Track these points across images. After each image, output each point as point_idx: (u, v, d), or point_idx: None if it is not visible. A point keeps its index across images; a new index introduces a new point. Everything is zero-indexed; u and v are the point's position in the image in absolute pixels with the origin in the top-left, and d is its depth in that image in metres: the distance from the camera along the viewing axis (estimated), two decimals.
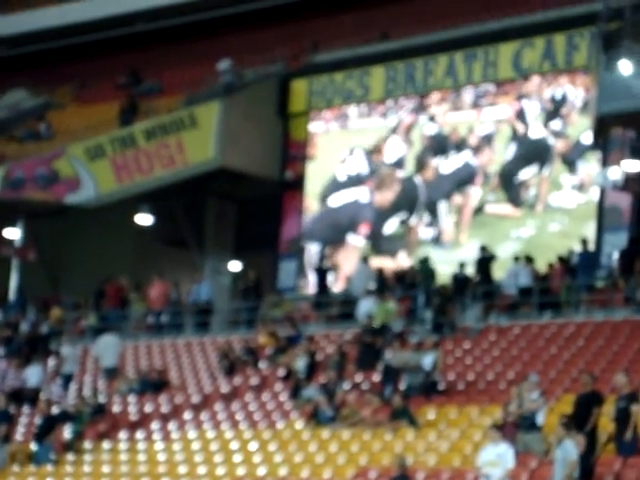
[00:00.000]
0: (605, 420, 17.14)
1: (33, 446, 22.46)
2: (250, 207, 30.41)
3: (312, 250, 29.02)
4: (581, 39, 26.11)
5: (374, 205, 28.43)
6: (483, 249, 25.61)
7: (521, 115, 27.12)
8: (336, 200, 29.03)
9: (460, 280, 24.91)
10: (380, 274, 26.19)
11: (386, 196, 28.39)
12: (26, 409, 24.46)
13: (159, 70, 32.87)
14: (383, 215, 28.27)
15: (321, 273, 27.69)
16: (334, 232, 28.86)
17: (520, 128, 27.16)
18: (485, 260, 25.24)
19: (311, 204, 29.51)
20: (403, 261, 27.60)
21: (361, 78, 29.02)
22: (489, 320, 23.88)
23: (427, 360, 20.81)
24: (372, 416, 20.35)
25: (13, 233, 31.09)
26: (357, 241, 28.51)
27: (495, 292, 24.45)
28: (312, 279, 28.17)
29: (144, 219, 30.49)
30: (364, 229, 28.46)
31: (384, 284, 25.74)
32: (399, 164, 28.41)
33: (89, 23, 33.70)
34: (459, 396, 20.73)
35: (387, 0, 30.28)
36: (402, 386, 20.97)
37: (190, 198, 30.42)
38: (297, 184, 29.67)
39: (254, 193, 29.93)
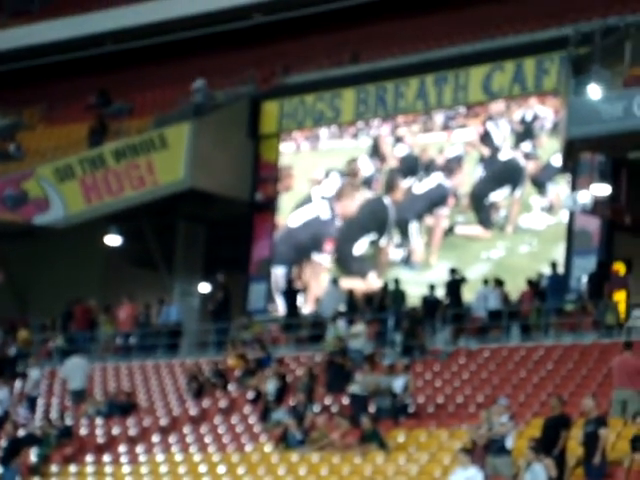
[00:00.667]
0: (574, 444, 17.13)
1: None
2: (220, 229, 30.33)
3: (278, 273, 28.95)
4: (551, 63, 26.26)
5: (337, 219, 28.40)
6: (453, 271, 25.63)
7: (487, 137, 27.24)
8: (296, 219, 29.00)
9: (430, 302, 24.91)
10: (350, 296, 26.15)
11: (348, 207, 28.35)
12: None
13: (129, 91, 32.78)
14: (351, 235, 28.24)
15: (290, 295, 27.62)
16: (298, 252, 28.85)
17: (485, 151, 27.26)
18: (455, 282, 25.26)
19: (281, 226, 29.50)
20: (373, 282, 27.58)
21: (332, 100, 29.06)
22: (459, 343, 23.88)
23: (398, 383, 20.77)
24: (341, 439, 20.26)
25: None
26: (322, 259, 28.47)
27: (465, 315, 24.46)
28: (280, 302, 28.08)
29: (113, 240, 30.34)
30: (328, 246, 28.44)
31: (354, 306, 25.70)
32: (368, 183, 28.43)
33: (58, 43, 33.59)
34: (429, 419, 20.69)
35: (358, 23, 30.36)
36: (372, 409, 20.90)
37: (160, 219, 30.30)
38: (268, 206, 29.62)
39: (224, 214, 29.86)
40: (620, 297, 23.27)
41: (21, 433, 22.89)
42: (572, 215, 25.50)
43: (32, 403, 24.90)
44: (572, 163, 25.07)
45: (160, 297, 28.95)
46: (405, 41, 29.18)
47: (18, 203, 30.06)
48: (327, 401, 22.19)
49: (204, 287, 30.86)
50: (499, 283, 24.65)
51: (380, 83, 28.29)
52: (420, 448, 19.55)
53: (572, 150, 23.98)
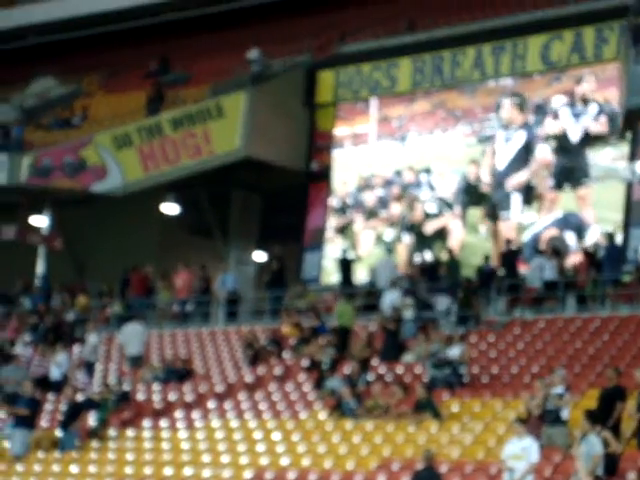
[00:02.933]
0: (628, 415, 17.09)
1: (58, 433, 22.59)
2: (275, 198, 30.42)
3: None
4: (610, 32, 25.95)
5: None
6: (508, 242, 25.54)
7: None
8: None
9: (485, 272, 24.86)
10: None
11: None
12: (51, 396, 24.59)
13: (187, 60, 32.90)
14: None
15: (345, 264, 27.70)
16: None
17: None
18: (510, 253, 25.18)
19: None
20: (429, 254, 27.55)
21: (388, 69, 28.96)
22: (514, 313, 23.83)
23: (453, 352, 20.80)
24: (396, 408, 20.35)
25: (40, 221, 31.22)
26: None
27: (520, 285, 24.39)
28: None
29: (170, 208, 30.56)
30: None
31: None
32: None
33: (117, 12, 33.76)
34: (483, 389, 20.70)
35: None
36: (426, 378, 20.99)
37: (216, 188, 30.47)
38: (323, 175, 29.65)
39: (280, 184, 29.93)
40: None
41: (80, 398, 23.23)
42: (630, 186, 25.27)
43: (90, 368, 25.24)
44: (631, 132, 24.82)
45: (216, 265, 29.17)
46: (462, 10, 28.98)
47: (76, 170, 30.35)
48: (381, 370, 22.28)
49: (259, 256, 31.03)
50: (556, 253, 24.53)
51: (436, 52, 28.14)
52: (474, 418, 19.59)
53: (631, 119, 23.74)
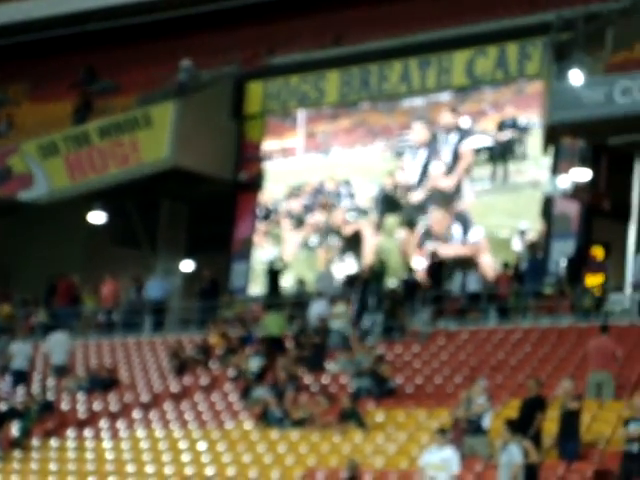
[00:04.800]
0: (550, 425, 17.42)
1: None
2: (203, 208, 30.45)
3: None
4: (534, 48, 26.45)
5: None
6: (433, 255, 25.89)
7: None
8: None
9: (410, 284, 25.16)
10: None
11: None
12: None
13: (114, 69, 32.78)
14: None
15: (272, 274, 27.82)
16: None
17: None
18: (435, 265, 25.52)
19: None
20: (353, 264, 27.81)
21: (316, 82, 29.19)
22: (438, 324, 24.14)
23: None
24: (321, 418, 20.50)
25: None
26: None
27: (445, 296, 24.71)
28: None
29: (97, 217, 30.43)
30: None
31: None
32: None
33: (44, 20, 33.52)
34: (407, 399, 20.94)
35: (342, 5, 30.46)
36: (351, 389, 21.17)
37: (143, 198, 30.40)
38: (251, 186, 29.77)
39: (208, 194, 29.97)
40: (597, 281, 23.57)
41: (3, 407, 23.04)
42: (552, 199, 25.75)
43: (16, 377, 25.01)
44: (553, 147, 25.31)
45: (143, 275, 29.11)
46: (389, 24, 29.29)
47: (2, 179, 30.10)
48: (307, 380, 22.43)
49: (187, 265, 31.01)
50: (478, 266, 24.93)
51: (364, 65, 28.44)
52: (399, 427, 19.80)
53: (553, 135, 24.22)
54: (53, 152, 29.75)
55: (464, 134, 27.20)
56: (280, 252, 28.89)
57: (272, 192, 29.52)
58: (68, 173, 29.62)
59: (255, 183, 29.61)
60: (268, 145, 29.66)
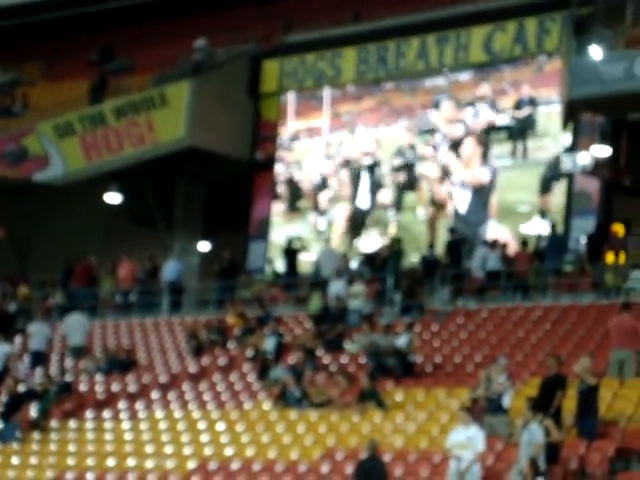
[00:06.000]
0: (570, 403, 17.27)
1: None
2: (220, 187, 30.34)
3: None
4: (553, 24, 26.17)
5: None
6: (452, 231, 25.69)
7: None
8: None
9: (429, 262, 24.99)
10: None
11: None
12: None
13: (131, 48, 32.64)
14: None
15: (290, 254, 27.69)
16: None
17: None
18: (455, 242, 25.33)
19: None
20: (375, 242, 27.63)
21: (333, 59, 28.96)
22: (457, 303, 23.97)
23: (401, 342, 20.89)
24: (340, 398, 20.40)
25: None
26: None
27: (464, 275, 24.54)
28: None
29: (113, 198, 30.35)
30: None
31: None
32: None
33: (60, 0, 33.40)
34: (427, 378, 20.82)
35: None
36: (369, 368, 21.05)
37: (160, 178, 30.30)
38: (267, 165, 29.61)
39: (224, 173, 29.85)
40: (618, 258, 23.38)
41: (21, 389, 23.03)
42: (572, 176, 25.52)
43: (34, 358, 24.99)
44: (573, 124, 25.05)
45: (160, 256, 29.03)
46: (407, 0, 29.04)
47: (18, 159, 30.04)
48: (326, 360, 22.32)
49: (203, 246, 30.92)
50: (497, 244, 24.72)
51: (381, 42, 28.20)
52: (418, 407, 19.69)
53: (573, 111, 23.96)
54: (69, 132, 29.65)
55: (481, 112, 27.01)
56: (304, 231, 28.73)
57: (299, 170, 29.29)
58: (84, 153, 29.53)
59: (271, 163, 29.45)
60: (295, 125, 29.43)
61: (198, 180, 30.75)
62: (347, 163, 28.75)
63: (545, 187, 25.90)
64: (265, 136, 29.76)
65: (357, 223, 28.31)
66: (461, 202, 27.00)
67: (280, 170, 29.56)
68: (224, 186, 30.10)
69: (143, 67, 31.61)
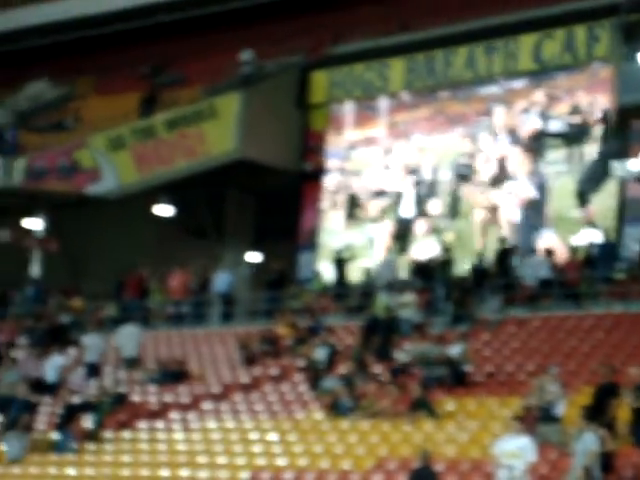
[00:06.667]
0: (624, 412, 17.15)
1: (54, 435, 22.62)
2: (270, 198, 30.47)
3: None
4: (602, 30, 26.03)
5: None
6: (503, 240, 25.62)
7: None
8: None
9: (479, 271, 24.93)
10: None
11: None
12: (47, 398, 24.60)
13: (180, 61, 32.91)
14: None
15: (339, 264, 27.75)
16: None
17: None
18: (504, 251, 25.25)
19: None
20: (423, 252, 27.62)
21: (381, 69, 29.03)
22: (508, 312, 23.89)
23: (454, 351, 20.87)
24: (391, 407, 20.40)
25: (35, 223, 31.20)
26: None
27: (514, 284, 24.45)
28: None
29: (165, 210, 30.59)
30: None
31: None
32: None
33: (111, 14, 33.74)
34: (478, 388, 20.76)
35: None
36: (421, 377, 21.03)
37: (210, 189, 30.50)
38: (316, 175, 29.72)
39: (274, 184, 29.99)
40: None
41: (75, 400, 23.26)
42: (623, 184, 25.35)
43: (89, 370, 25.23)
44: (624, 131, 24.90)
45: (211, 266, 29.21)
46: (454, 10, 29.04)
47: (70, 173, 30.36)
48: (377, 369, 22.33)
49: (254, 256, 31.07)
50: (549, 252, 24.61)
51: (429, 52, 28.21)
52: (470, 416, 19.65)
53: (623, 117, 23.82)
54: (120, 145, 29.93)
55: (534, 119, 26.91)
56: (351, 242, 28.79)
57: (353, 179, 29.37)
58: (135, 166, 29.79)
59: (319, 173, 29.54)
60: (352, 135, 29.51)
61: (248, 191, 30.92)
62: (402, 171, 28.78)
63: (582, 199, 25.68)
64: (313, 147, 29.87)
65: (407, 232, 28.34)
66: (514, 210, 26.92)
67: (332, 180, 29.65)
68: (274, 197, 30.24)
69: (193, 79, 31.85)
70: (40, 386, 24.67)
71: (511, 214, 26.91)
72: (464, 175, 27.80)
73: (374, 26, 29.87)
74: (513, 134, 27.31)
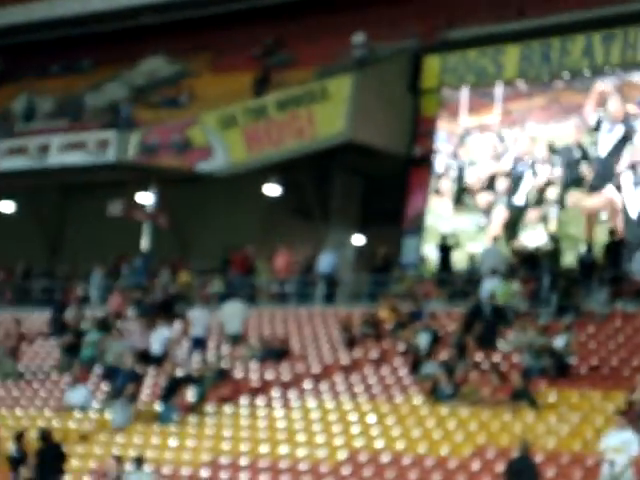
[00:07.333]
0: None
1: (158, 406, 23.05)
2: (377, 182, 30.47)
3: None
4: None
5: None
6: (613, 232, 25.25)
7: None
8: None
9: (587, 263, 24.62)
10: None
11: None
12: (152, 370, 25.06)
13: (293, 42, 33.06)
14: None
15: (444, 250, 27.68)
16: None
17: None
18: (613, 243, 24.89)
19: None
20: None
21: (495, 56, 28.76)
22: (615, 305, 23.56)
23: (558, 342, 20.69)
24: (492, 395, 20.32)
25: (146, 198, 31.69)
26: None
27: (623, 277, 24.09)
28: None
29: (272, 189, 30.83)
30: None
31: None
32: None
33: None
34: (581, 380, 20.55)
35: None
36: (523, 367, 20.90)
37: (318, 170, 30.62)
38: (425, 161, 29.62)
39: (381, 168, 29.98)
40: None
41: (179, 373, 23.66)
42: None
43: (194, 344, 25.61)
44: None
45: (315, 247, 29.37)
46: None
47: (182, 149, 30.74)
48: (478, 357, 22.25)
49: (359, 239, 31.14)
50: None
51: (545, 40, 27.86)
52: (572, 408, 19.47)
53: None
54: (232, 124, 30.19)
55: None
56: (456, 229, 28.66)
57: (467, 166, 29.23)
58: (246, 145, 30.05)
59: (428, 159, 29.44)
60: (465, 121, 29.36)
61: (355, 173, 30.96)
62: (515, 160, 28.55)
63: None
64: (423, 132, 29.76)
65: (516, 221, 28.10)
66: (626, 202, 26.47)
67: (441, 165, 29.54)
68: (381, 180, 30.23)
69: (305, 61, 31.96)
70: (146, 357, 25.14)
71: (623, 206, 26.48)
72: (577, 165, 27.45)
73: (490, 12, 29.59)
74: (628, 125, 26.84)
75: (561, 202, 27.47)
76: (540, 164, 28.04)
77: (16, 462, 20.68)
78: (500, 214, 28.35)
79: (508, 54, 28.56)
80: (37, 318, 29.50)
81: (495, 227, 28.31)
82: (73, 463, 21.15)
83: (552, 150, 27.75)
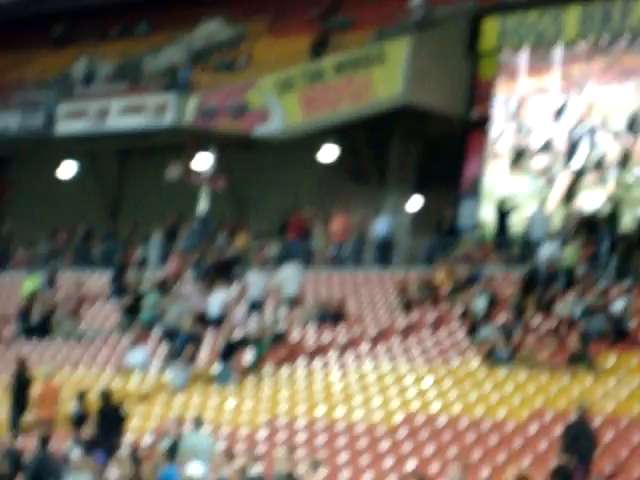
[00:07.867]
0: None
1: (216, 367, 23.29)
2: (434, 145, 30.34)
3: None
4: None
5: None
6: None
7: None
8: None
9: None
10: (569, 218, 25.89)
11: None
12: (210, 332, 25.30)
13: (351, 5, 32.89)
14: None
15: (501, 214, 27.55)
16: None
17: None
18: None
19: None
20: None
21: (555, 18, 28.42)
22: None
23: (617, 306, 20.56)
24: (549, 359, 20.27)
25: (204, 162, 31.84)
26: None
27: None
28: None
29: (329, 153, 30.82)
30: None
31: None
32: None
33: None
34: None
35: None
36: (581, 330, 20.81)
37: (375, 134, 30.56)
38: (482, 124, 29.42)
39: (438, 131, 29.83)
40: None
41: (237, 335, 23.87)
42: None
43: (251, 306, 25.81)
44: None
45: (372, 210, 29.36)
46: None
47: (240, 113, 30.79)
48: (536, 321, 22.19)
49: (415, 202, 31.07)
50: None
51: (606, 1, 27.45)
52: (631, 372, 19.37)
53: None
54: (289, 87, 30.18)
55: None
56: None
57: (526, 129, 28.99)
58: (303, 109, 30.02)
59: (485, 122, 29.23)
60: (524, 84, 29.08)
61: (412, 137, 30.83)
62: (574, 123, 28.25)
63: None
64: (481, 95, 29.54)
65: (576, 184, 27.85)
66: None
67: (499, 129, 29.32)
68: (438, 144, 30.10)
69: (363, 23, 31.80)
70: (204, 319, 25.38)
71: None
72: (637, 129, 27.11)
73: None
74: None
75: (623, 164, 27.15)
76: (600, 127, 27.72)
77: (78, 421, 21.03)
78: (563, 178, 28.11)
79: (568, 15, 28.22)
80: (97, 280, 29.87)
81: (558, 191, 28.07)
82: (133, 423, 21.45)
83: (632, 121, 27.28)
